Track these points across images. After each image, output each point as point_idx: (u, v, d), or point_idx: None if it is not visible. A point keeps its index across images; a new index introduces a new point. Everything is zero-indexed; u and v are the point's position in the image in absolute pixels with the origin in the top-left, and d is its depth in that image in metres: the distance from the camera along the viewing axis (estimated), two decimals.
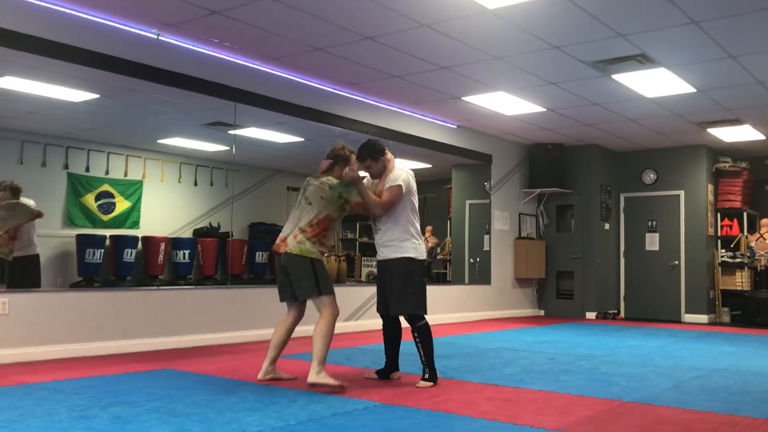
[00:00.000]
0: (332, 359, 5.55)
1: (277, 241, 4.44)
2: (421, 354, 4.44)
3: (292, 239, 4.35)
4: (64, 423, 3.26)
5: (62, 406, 3.63)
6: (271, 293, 7.29)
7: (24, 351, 5.18)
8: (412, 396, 4.07)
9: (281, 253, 4.36)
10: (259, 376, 4.44)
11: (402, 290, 4.42)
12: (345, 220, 12.44)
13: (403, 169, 4.63)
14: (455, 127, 9.50)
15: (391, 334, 4.67)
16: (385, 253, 4.54)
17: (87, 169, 8.57)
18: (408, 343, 4.65)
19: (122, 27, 5.72)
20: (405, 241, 4.48)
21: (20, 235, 6.42)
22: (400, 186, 4.51)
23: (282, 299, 4.53)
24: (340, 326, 7.78)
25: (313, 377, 4.11)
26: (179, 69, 6.18)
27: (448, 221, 11.09)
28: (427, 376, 4.45)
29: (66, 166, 8.36)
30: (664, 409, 3.84)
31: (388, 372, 4.66)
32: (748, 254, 10.25)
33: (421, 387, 4.35)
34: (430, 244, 11.01)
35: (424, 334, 4.43)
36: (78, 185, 8.49)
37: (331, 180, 4.46)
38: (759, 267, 10.07)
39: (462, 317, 9.33)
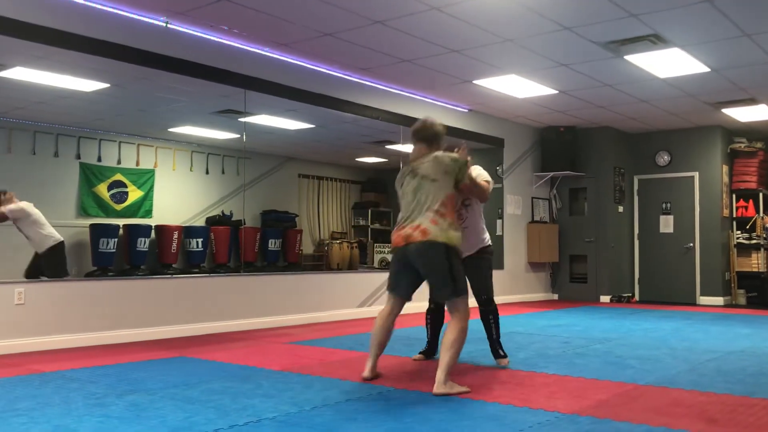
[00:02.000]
0: (346, 345, 5.57)
1: (407, 230, 3.79)
2: (494, 332, 4.64)
3: (431, 225, 3.74)
4: (80, 411, 3.28)
5: (78, 394, 3.66)
6: (284, 280, 7.34)
7: (40, 340, 5.22)
8: (426, 381, 4.07)
9: (417, 243, 3.75)
10: (366, 374, 4.01)
11: (489, 276, 4.67)
12: (357, 206, 12.56)
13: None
14: (466, 111, 9.45)
15: (440, 320, 4.85)
16: (476, 242, 4.56)
17: (99, 159, 8.61)
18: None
19: (131, 15, 5.71)
20: (485, 231, 4.73)
21: (28, 236, 6.53)
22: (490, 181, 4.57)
23: (394, 293, 4.05)
24: (353, 312, 7.83)
25: (441, 388, 3.63)
26: (189, 57, 6.16)
27: None
28: (502, 352, 4.66)
29: (78, 156, 8.41)
30: (680, 392, 3.82)
31: (431, 353, 4.85)
32: (764, 235, 10.16)
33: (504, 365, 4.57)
34: None
35: (496, 314, 4.67)
36: (90, 175, 8.53)
37: (449, 154, 3.92)
38: None
39: (474, 302, 9.29)
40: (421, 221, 3.76)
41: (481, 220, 4.67)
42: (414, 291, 4.10)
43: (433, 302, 4.83)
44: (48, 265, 6.52)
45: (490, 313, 4.62)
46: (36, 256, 6.62)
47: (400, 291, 4.02)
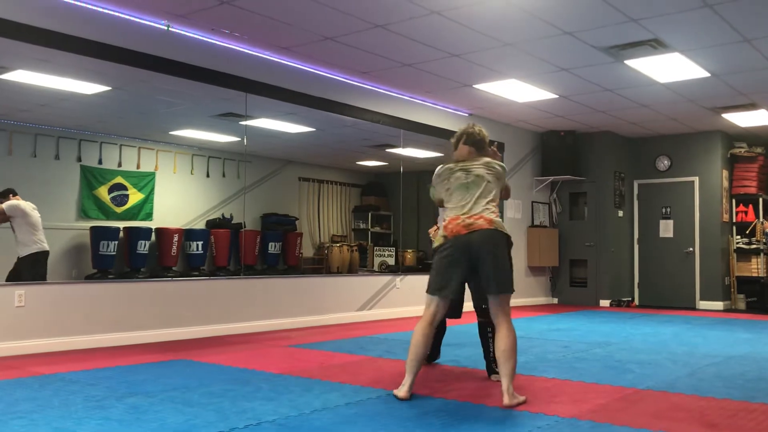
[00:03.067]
0: (346, 349, 5.57)
1: (468, 220, 3.68)
2: (492, 347, 4.17)
3: (494, 216, 3.71)
4: (80, 413, 3.28)
5: (78, 396, 3.66)
6: (284, 283, 7.35)
7: (40, 342, 5.22)
8: (424, 384, 4.07)
9: (483, 230, 3.65)
10: (403, 394, 3.66)
11: None
12: (357, 210, 12.56)
13: None
14: (467, 115, 9.46)
15: (442, 328, 4.79)
16: None
17: (100, 162, 8.62)
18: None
19: (132, 19, 5.72)
20: None
21: (17, 236, 6.27)
22: None
23: (442, 294, 3.72)
24: (353, 315, 7.83)
25: (512, 399, 3.51)
26: (190, 60, 6.18)
27: None
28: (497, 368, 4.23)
29: (79, 159, 8.41)
30: (679, 397, 3.82)
31: (431, 358, 4.82)
32: (764, 240, 10.16)
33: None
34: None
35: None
36: (91, 178, 8.53)
37: (499, 162, 3.98)
38: None
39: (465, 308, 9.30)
40: (483, 212, 3.72)
41: None
42: (463, 291, 3.92)
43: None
44: (25, 269, 6.18)
45: (489, 326, 4.23)
46: (18, 261, 6.29)
47: (449, 291, 3.69)
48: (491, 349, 4.21)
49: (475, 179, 3.82)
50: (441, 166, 3.99)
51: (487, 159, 3.94)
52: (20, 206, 6.26)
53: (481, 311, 4.29)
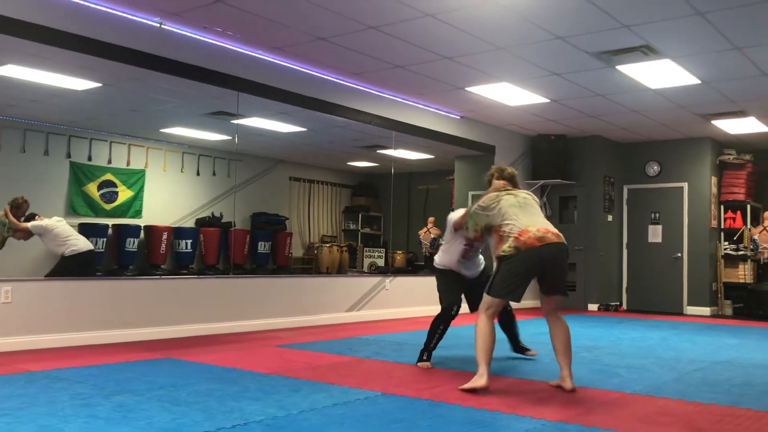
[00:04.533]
0: (334, 349, 5.57)
1: (539, 233, 4.00)
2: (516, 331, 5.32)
3: (556, 230, 4.13)
4: (66, 411, 3.27)
5: (65, 394, 3.64)
6: (273, 283, 7.33)
7: (26, 339, 5.19)
8: (412, 386, 4.08)
9: (555, 243, 4.02)
10: (484, 382, 3.94)
11: None
12: (348, 210, 12.56)
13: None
14: (458, 117, 9.48)
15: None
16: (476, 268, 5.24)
17: (89, 158, 8.58)
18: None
19: (125, 15, 5.69)
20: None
21: (48, 248, 6.97)
22: None
23: (508, 297, 4.14)
24: (342, 316, 7.82)
25: (572, 384, 4.01)
26: (182, 58, 6.16)
27: (451, 212, 11.06)
28: (425, 357, 4.90)
29: (68, 155, 8.37)
30: (666, 401, 3.84)
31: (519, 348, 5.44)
32: (751, 247, 10.23)
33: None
34: (432, 235, 11.01)
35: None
36: (80, 174, 8.49)
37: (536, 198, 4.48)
38: (762, 259, 10.05)
39: (464, 308, 9.31)
40: (548, 226, 4.13)
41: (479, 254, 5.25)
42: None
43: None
44: (61, 268, 6.81)
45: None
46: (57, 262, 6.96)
47: (514, 296, 4.07)
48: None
49: (525, 200, 4.26)
50: (481, 200, 4.33)
51: (525, 190, 4.45)
52: (42, 225, 6.89)
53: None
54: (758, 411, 3.64)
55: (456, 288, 5.06)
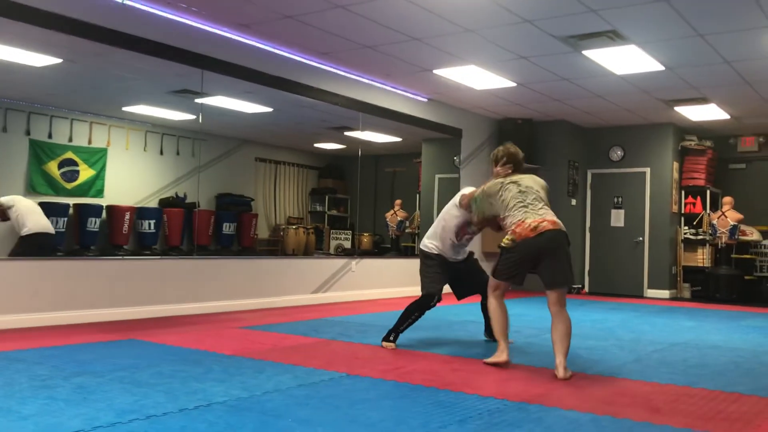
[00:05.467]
0: (299, 331, 5.56)
1: (533, 223, 4.14)
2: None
3: (554, 216, 4.26)
4: (25, 393, 3.21)
5: (23, 375, 3.57)
6: (238, 264, 7.27)
7: None
8: (377, 367, 4.09)
9: (552, 231, 4.14)
10: (505, 358, 4.26)
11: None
12: (314, 192, 12.51)
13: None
14: (425, 100, 9.47)
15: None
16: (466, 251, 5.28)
17: (50, 136, 8.37)
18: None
19: None
20: None
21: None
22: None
23: (512, 281, 4.39)
24: (308, 298, 7.81)
25: (563, 373, 3.95)
26: (145, 34, 6.03)
27: (418, 195, 11.10)
28: (391, 338, 4.89)
29: (28, 132, 8.16)
30: (626, 381, 3.92)
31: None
32: (710, 231, 10.45)
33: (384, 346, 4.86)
34: (398, 218, 11.02)
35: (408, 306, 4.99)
36: (40, 152, 8.29)
37: (544, 183, 4.56)
38: (720, 244, 10.27)
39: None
40: (545, 215, 4.22)
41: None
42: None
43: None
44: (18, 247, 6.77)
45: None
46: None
47: (516, 280, 4.34)
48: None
49: (527, 189, 4.35)
50: (486, 185, 4.51)
51: (532, 175, 4.53)
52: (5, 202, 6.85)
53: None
54: (713, 390, 3.73)
55: (442, 278, 4.98)
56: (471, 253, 5.33)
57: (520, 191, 4.31)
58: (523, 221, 4.18)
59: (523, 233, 4.14)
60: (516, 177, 4.44)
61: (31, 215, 6.91)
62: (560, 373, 3.95)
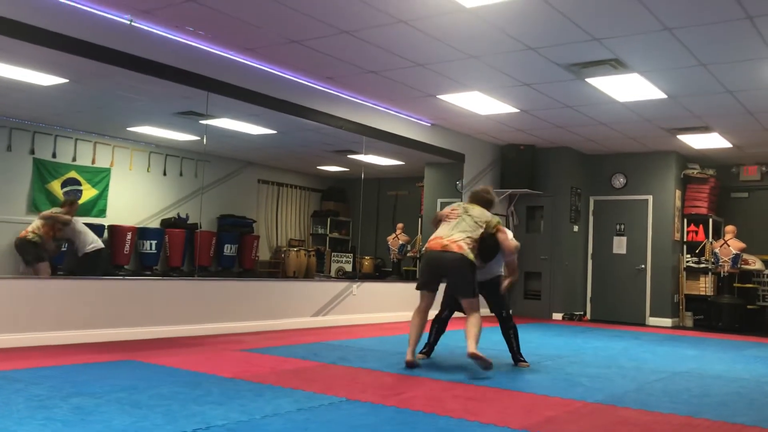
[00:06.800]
0: (299, 354, 5.53)
1: (445, 241, 4.96)
2: (515, 344, 5.55)
3: (464, 245, 4.94)
4: (22, 413, 3.18)
5: (20, 395, 3.55)
6: (239, 286, 7.25)
7: None
8: (377, 392, 4.07)
9: (451, 253, 4.91)
10: (408, 358, 4.99)
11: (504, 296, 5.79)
12: (316, 214, 12.53)
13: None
14: (429, 125, 9.51)
15: (443, 328, 5.73)
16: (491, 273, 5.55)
17: (54, 155, 8.41)
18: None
19: (95, 11, 5.61)
20: (500, 268, 5.70)
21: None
22: None
23: (425, 288, 5.18)
24: (308, 321, 7.78)
25: (475, 350, 4.76)
26: (152, 56, 6.08)
27: (420, 219, 11.10)
28: (522, 358, 5.50)
29: (32, 152, 8.19)
30: (627, 411, 3.88)
31: (430, 353, 5.64)
32: (713, 260, 10.43)
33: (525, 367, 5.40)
34: (400, 241, 11.01)
35: (516, 328, 5.67)
36: (44, 171, 8.32)
37: (488, 216, 5.18)
38: (722, 273, 10.25)
39: (430, 315, 9.32)
40: (457, 239, 4.95)
41: (498, 261, 5.49)
42: (437, 289, 5.23)
43: (442, 312, 5.66)
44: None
45: (510, 329, 5.52)
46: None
47: (431, 286, 5.16)
48: (513, 345, 5.51)
49: (465, 218, 5.09)
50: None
51: (486, 211, 5.21)
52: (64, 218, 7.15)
53: (501, 317, 5.55)
54: (716, 421, 3.70)
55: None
56: (496, 276, 5.58)
57: (459, 217, 5.11)
58: (438, 238, 5.03)
59: (431, 245, 5.04)
60: (467, 206, 5.24)
61: (88, 231, 7.11)
62: (470, 348, 4.77)
